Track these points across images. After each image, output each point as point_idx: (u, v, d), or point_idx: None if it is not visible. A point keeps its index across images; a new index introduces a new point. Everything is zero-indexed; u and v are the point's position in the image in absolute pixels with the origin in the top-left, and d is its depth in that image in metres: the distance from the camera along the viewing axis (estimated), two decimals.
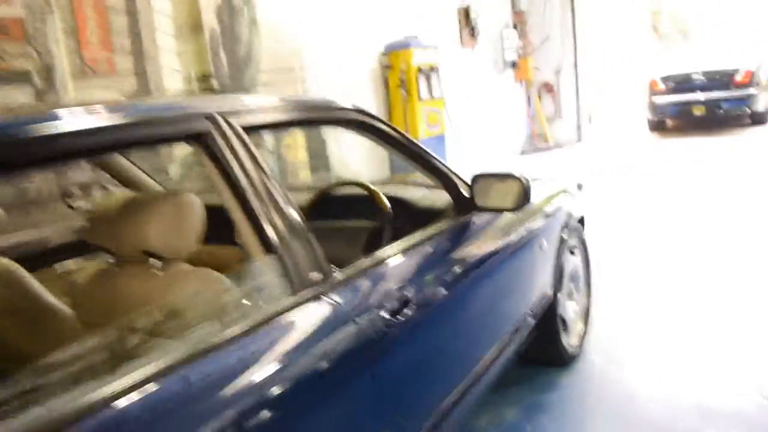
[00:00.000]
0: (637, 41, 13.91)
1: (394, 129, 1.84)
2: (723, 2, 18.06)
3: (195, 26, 4.97)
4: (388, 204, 2.10)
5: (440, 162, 2.00)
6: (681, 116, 10.43)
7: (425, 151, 1.95)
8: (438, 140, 7.33)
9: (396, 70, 6.91)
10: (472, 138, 8.34)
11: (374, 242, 2.06)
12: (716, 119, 10.16)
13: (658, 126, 10.71)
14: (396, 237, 2.06)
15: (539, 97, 10.17)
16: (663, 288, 3.74)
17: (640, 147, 9.59)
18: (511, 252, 2.19)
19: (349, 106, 1.70)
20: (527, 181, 1.93)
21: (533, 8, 9.84)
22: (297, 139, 5.75)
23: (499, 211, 2.07)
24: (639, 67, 13.18)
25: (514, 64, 9.51)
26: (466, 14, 8.35)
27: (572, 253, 2.91)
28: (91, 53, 4.31)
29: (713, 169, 7.24)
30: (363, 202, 2.20)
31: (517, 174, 1.96)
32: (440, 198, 2.14)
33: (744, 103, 9.84)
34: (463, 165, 7.59)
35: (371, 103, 6.84)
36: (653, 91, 10.37)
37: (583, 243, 3.04)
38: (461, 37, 8.40)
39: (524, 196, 1.92)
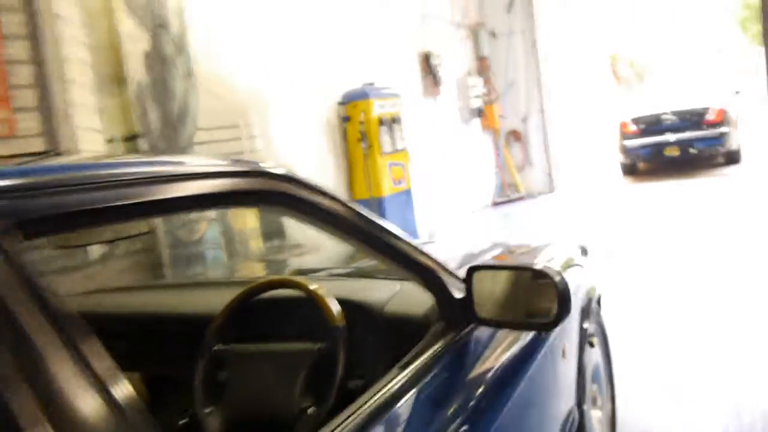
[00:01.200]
0: (598, 85, 13.74)
1: (341, 202, 1.14)
2: (676, 45, 18.28)
3: (118, 78, 4.28)
4: (339, 313, 1.37)
5: (415, 248, 1.28)
6: (653, 158, 10.04)
7: (390, 233, 1.23)
8: (404, 196, 6.70)
9: (355, 122, 6.30)
10: (440, 192, 7.75)
11: (319, 380, 1.33)
12: (689, 160, 9.80)
13: (630, 169, 10.28)
14: (353, 367, 1.34)
15: (507, 145, 9.69)
16: (683, 365, 3.08)
17: (614, 194, 9.13)
18: (531, 377, 1.48)
19: (266, 168, 1.01)
20: (562, 278, 1.23)
21: (496, 54, 9.45)
22: None
23: (518, 328, 1.37)
24: (604, 111, 12.93)
25: (480, 113, 9.03)
26: (426, 60, 7.87)
27: (591, 345, 2.23)
28: None
29: (695, 215, 6.75)
30: (303, 307, 1.48)
31: (540, 266, 1.26)
32: (416, 297, 1.43)
33: (717, 142, 9.51)
34: (432, 223, 6.97)
35: (329, 159, 6.19)
36: (624, 134, 9.98)
37: (602, 329, 2.36)
38: (423, 85, 7.89)
39: (562, 304, 1.20)
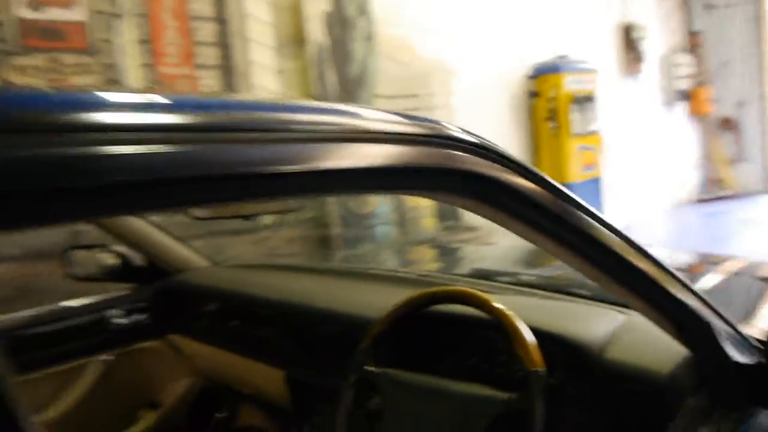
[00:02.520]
0: None
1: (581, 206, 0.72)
2: None
3: (298, 40, 4.09)
4: (538, 352, 0.92)
5: (671, 273, 0.79)
6: None
7: (638, 249, 0.80)
8: (593, 185, 5.95)
9: (543, 99, 5.68)
10: (634, 182, 6.84)
11: None
12: None
13: None
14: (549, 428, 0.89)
15: (717, 134, 8.41)
16: None
17: None
18: None
19: (467, 137, 0.59)
20: None
21: (710, 28, 8.20)
22: None
23: None
24: None
25: (686, 95, 7.89)
26: (627, 34, 6.95)
27: None
28: (167, 67, 3.51)
29: None
30: (482, 330, 1.05)
31: None
32: (655, 342, 0.91)
33: None
34: (624, 217, 6.15)
35: (512, 138, 5.63)
36: None
37: None
38: (622, 61, 7.00)
39: None
